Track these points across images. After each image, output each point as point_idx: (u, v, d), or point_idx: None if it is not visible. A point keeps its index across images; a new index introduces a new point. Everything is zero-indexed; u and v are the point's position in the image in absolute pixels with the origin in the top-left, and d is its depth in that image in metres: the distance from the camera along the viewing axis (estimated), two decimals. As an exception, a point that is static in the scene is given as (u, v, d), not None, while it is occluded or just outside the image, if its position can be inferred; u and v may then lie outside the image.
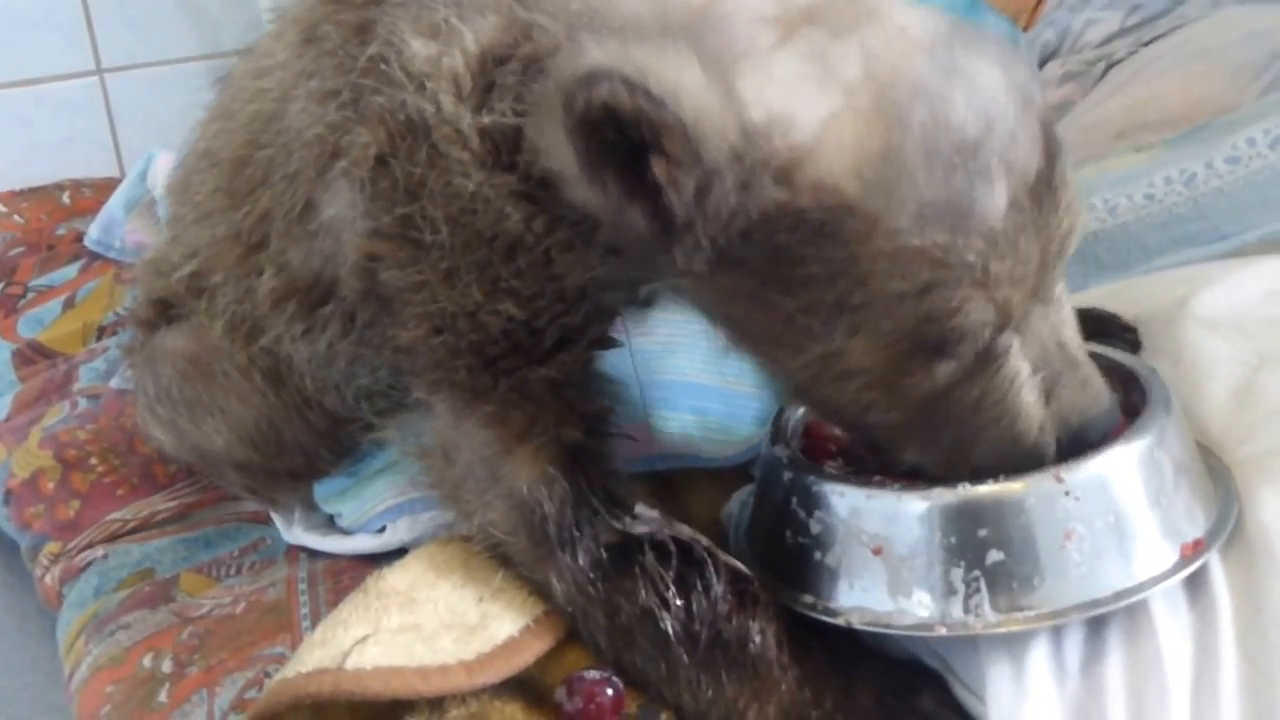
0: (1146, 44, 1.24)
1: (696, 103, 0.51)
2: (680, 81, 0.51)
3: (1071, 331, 0.58)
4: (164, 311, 0.89)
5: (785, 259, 0.53)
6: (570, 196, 0.57)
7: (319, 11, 0.70)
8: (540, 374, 0.64)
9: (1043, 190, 0.53)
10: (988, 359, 0.55)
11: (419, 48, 0.61)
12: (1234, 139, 0.92)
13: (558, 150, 0.56)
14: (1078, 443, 0.58)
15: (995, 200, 0.51)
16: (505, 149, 0.59)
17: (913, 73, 0.52)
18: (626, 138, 0.52)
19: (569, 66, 0.54)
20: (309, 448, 0.86)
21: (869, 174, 0.51)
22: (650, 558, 0.61)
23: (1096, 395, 0.58)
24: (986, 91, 0.52)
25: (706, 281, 0.57)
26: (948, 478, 0.58)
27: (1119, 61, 1.23)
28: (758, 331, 0.58)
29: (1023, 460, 0.58)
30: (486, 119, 0.59)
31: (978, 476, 0.58)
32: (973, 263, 0.51)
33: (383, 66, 0.62)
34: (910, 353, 0.54)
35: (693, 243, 0.54)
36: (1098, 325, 0.77)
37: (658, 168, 0.52)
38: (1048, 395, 0.57)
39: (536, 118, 0.57)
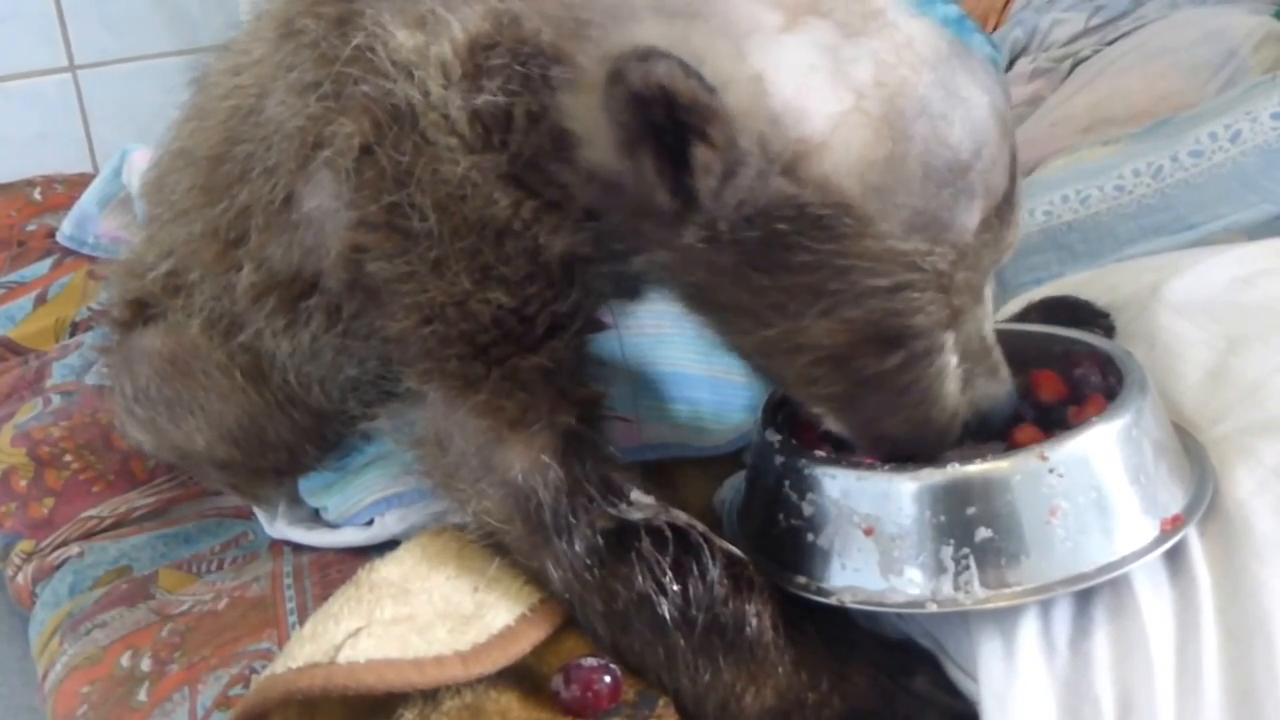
0: (1110, 43, 1.27)
1: (741, 94, 0.52)
2: (732, 74, 0.52)
3: (989, 323, 0.62)
4: (140, 311, 0.87)
5: (778, 244, 0.54)
6: (585, 157, 0.57)
7: (296, 5, 0.69)
8: (532, 361, 0.63)
9: (1005, 209, 0.56)
10: (923, 353, 0.58)
11: (405, 38, 0.60)
12: (1196, 133, 0.94)
13: (583, 115, 0.56)
14: (984, 425, 0.62)
15: (971, 218, 0.55)
16: (497, 129, 0.59)
17: (920, 88, 0.54)
18: (671, 118, 0.52)
19: (619, 39, 0.54)
20: (293, 444, 0.84)
21: (871, 178, 0.53)
22: (646, 543, 0.60)
23: (1003, 382, 0.62)
24: (978, 117, 0.55)
25: (691, 255, 0.57)
26: (857, 446, 0.63)
27: (1084, 59, 1.26)
28: (724, 301, 0.59)
29: (930, 440, 0.61)
30: (478, 100, 0.59)
31: (882, 447, 0.61)
32: (943, 270, 0.55)
33: (369, 55, 0.61)
34: (868, 339, 0.57)
35: (704, 222, 0.55)
36: (1073, 312, 0.78)
37: (701, 152, 0.53)
38: (965, 384, 0.60)
39: (560, 84, 0.57)
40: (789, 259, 0.54)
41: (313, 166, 0.66)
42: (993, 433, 0.64)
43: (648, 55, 0.50)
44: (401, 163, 0.60)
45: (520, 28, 0.58)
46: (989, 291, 0.60)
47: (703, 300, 0.61)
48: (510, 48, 0.58)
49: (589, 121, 0.55)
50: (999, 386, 0.61)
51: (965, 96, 0.54)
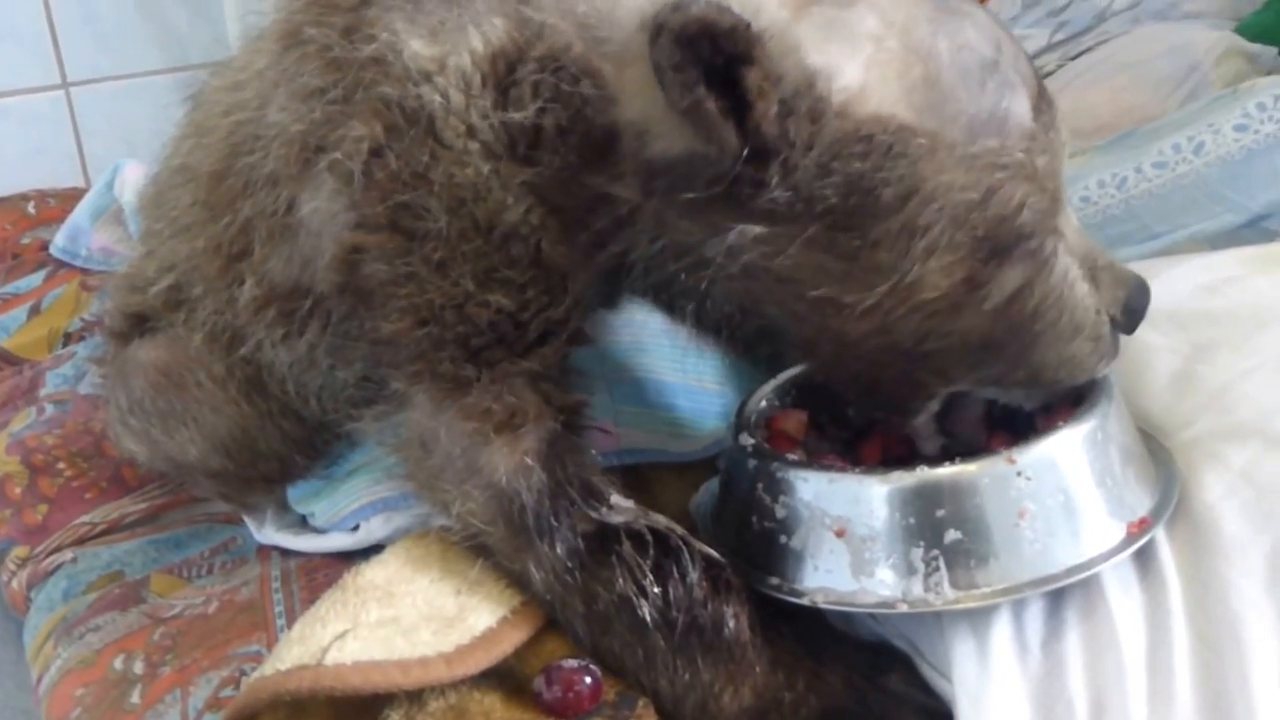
0: (1073, 58, 1.27)
1: (774, 20, 0.52)
2: (759, 6, 0.52)
3: (1081, 229, 0.61)
4: (138, 324, 0.86)
5: (860, 190, 0.53)
6: (650, 150, 0.56)
7: (300, 17, 0.67)
8: (521, 366, 0.63)
9: (1046, 98, 0.57)
10: (1041, 263, 0.57)
11: (420, 48, 0.59)
12: (1160, 145, 0.94)
13: (635, 94, 0.55)
14: (1129, 316, 0.61)
15: (1022, 104, 0.55)
16: (523, 142, 0.58)
17: (924, 14, 0.55)
18: (719, 53, 0.51)
19: (647, 7, 0.53)
20: (283, 454, 0.83)
21: (918, 99, 0.53)
22: (627, 547, 0.59)
23: (1125, 271, 0.61)
24: (984, 22, 0.56)
25: (777, 225, 0.55)
26: (1007, 389, 0.62)
27: (1049, 74, 1.26)
28: (817, 280, 0.56)
29: (1093, 349, 0.60)
30: (507, 115, 0.58)
31: (1038, 381, 0.60)
32: (1022, 160, 0.55)
33: (390, 58, 0.60)
34: (984, 260, 0.55)
35: (781, 171, 0.53)
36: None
37: (752, 74, 0.52)
38: (1092, 284, 0.59)
39: (593, 99, 0.56)
40: (875, 205, 0.53)
41: (314, 171, 0.64)
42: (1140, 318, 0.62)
43: (679, 4, 0.50)
44: (415, 165, 0.59)
45: (549, 41, 0.57)
46: (1067, 197, 0.59)
47: (797, 292, 0.57)
48: (539, 62, 0.57)
49: (643, 105, 0.55)
50: (1125, 273, 0.60)
51: (966, 11, 0.56)
